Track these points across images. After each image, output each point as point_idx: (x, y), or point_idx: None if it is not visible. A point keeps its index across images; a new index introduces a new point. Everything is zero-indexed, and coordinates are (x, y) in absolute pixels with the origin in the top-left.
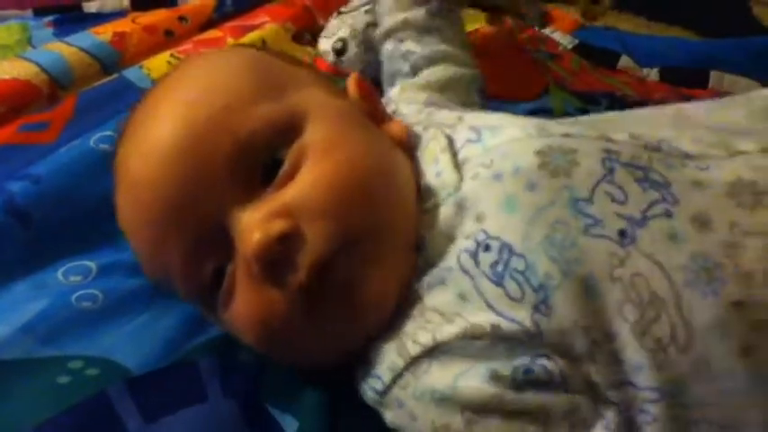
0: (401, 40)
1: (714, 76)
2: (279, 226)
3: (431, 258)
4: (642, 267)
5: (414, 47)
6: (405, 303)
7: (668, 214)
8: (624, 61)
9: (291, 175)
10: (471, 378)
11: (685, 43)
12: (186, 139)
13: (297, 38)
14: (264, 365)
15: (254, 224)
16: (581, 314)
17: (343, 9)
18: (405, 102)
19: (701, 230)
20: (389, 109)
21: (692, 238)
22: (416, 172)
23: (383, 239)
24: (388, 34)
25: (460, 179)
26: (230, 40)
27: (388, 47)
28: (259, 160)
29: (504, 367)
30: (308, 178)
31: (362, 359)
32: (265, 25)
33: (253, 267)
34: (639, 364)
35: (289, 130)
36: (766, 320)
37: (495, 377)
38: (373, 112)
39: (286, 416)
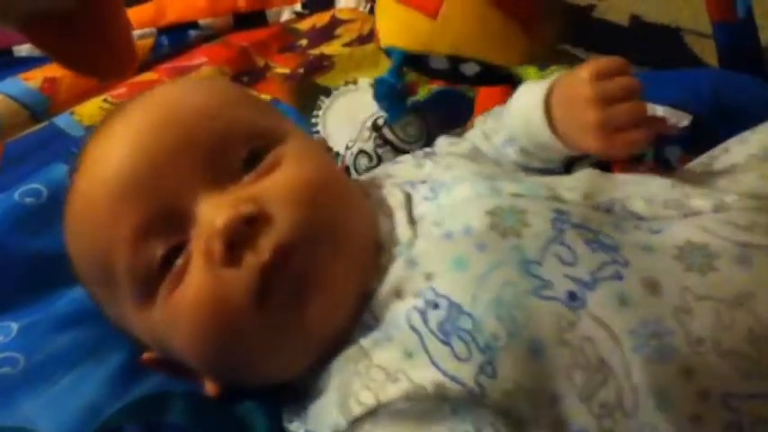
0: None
1: (647, 108)
2: (248, 207)
3: (377, 313)
4: (591, 331)
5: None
6: (351, 357)
7: (618, 277)
8: None
9: (265, 174)
10: None
11: None
12: (167, 120)
13: (233, 81)
14: (194, 427)
15: (222, 204)
16: (525, 376)
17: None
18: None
19: (652, 294)
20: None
21: (642, 303)
22: (374, 224)
23: (345, 242)
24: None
25: (414, 236)
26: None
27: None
28: (237, 153)
29: None
30: (281, 175)
31: (304, 412)
32: (202, 68)
33: (215, 246)
34: (584, 429)
35: (271, 136)
36: (714, 389)
37: None
38: None
39: None
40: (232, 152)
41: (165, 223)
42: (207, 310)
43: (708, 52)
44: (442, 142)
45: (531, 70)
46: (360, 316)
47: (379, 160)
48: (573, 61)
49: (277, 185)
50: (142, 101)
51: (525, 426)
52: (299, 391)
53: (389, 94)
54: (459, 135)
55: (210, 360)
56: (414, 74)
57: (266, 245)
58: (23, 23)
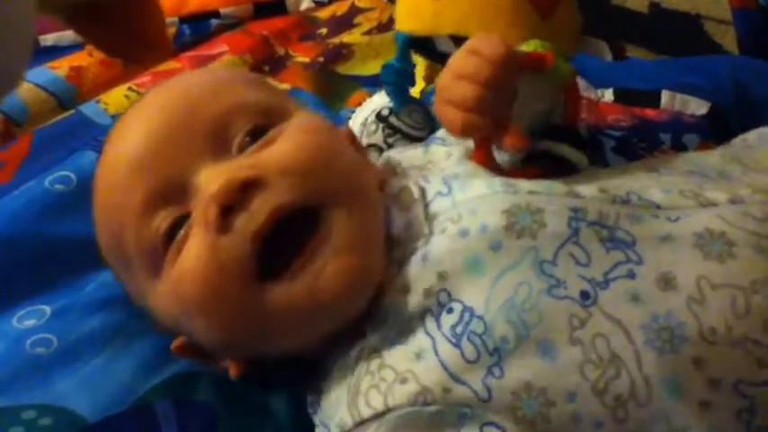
0: None
1: (665, 95)
2: (243, 173)
3: (388, 307)
4: (603, 328)
5: None
6: (363, 354)
7: (631, 275)
8: (579, 83)
9: (264, 147)
10: None
11: (639, 64)
12: (173, 99)
13: (255, 70)
14: (222, 405)
15: (220, 172)
16: (535, 376)
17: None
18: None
19: (665, 289)
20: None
21: (654, 298)
22: (387, 218)
23: (353, 205)
24: None
25: (430, 233)
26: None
27: None
28: (240, 129)
29: None
30: (278, 146)
31: (319, 404)
32: (223, 56)
33: (210, 212)
34: (599, 421)
35: (276, 114)
36: (726, 377)
37: None
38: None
39: None
40: (234, 128)
41: (169, 195)
42: (202, 279)
43: (728, 39)
44: None
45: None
46: (371, 307)
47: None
48: (597, 50)
49: (274, 155)
50: (157, 87)
51: (535, 425)
52: (320, 380)
53: (394, 80)
54: None
55: (215, 333)
56: (420, 58)
57: (262, 209)
58: (68, 14)
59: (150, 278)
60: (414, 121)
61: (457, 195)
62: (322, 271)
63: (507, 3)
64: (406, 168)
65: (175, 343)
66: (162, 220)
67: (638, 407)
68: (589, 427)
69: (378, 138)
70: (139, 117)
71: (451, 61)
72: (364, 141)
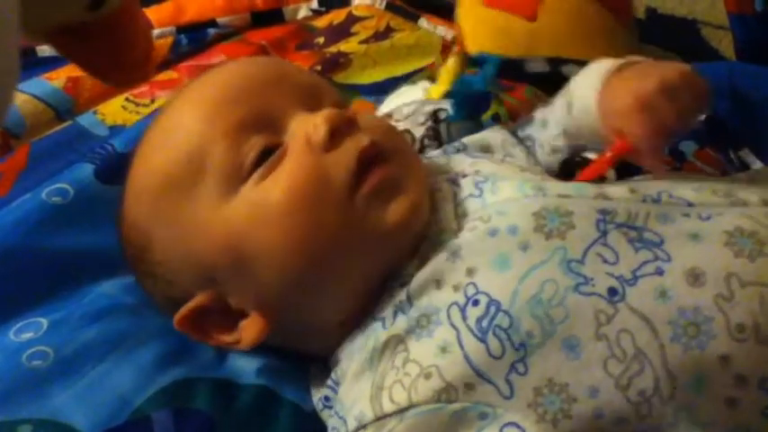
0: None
1: None
2: (347, 112)
3: (413, 296)
4: (629, 323)
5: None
6: (388, 344)
7: (660, 272)
8: None
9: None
10: None
11: None
12: (264, 65)
13: None
14: (220, 413)
15: (317, 115)
16: (558, 371)
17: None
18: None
19: (694, 285)
20: None
21: (682, 294)
22: None
23: (410, 161)
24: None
25: (459, 229)
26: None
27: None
28: (326, 100)
29: None
30: (361, 116)
31: (333, 397)
32: None
33: (320, 132)
34: (622, 417)
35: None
36: (752, 375)
37: None
38: None
39: None
40: (324, 97)
41: (263, 124)
42: (305, 187)
43: (725, 44)
44: (494, 135)
45: None
46: (392, 291)
47: (421, 151)
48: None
49: (360, 118)
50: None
51: (556, 424)
52: (329, 375)
53: (470, 94)
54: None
55: (289, 249)
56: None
57: (365, 136)
58: (50, 36)
59: (222, 196)
60: (459, 136)
61: (488, 198)
62: (391, 204)
63: (602, 22)
64: (437, 170)
65: (181, 313)
66: (254, 144)
67: (663, 403)
68: (611, 423)
69: (418, 131)
70: (230, 67)
71: (670, 78)
72: (405, 124)
